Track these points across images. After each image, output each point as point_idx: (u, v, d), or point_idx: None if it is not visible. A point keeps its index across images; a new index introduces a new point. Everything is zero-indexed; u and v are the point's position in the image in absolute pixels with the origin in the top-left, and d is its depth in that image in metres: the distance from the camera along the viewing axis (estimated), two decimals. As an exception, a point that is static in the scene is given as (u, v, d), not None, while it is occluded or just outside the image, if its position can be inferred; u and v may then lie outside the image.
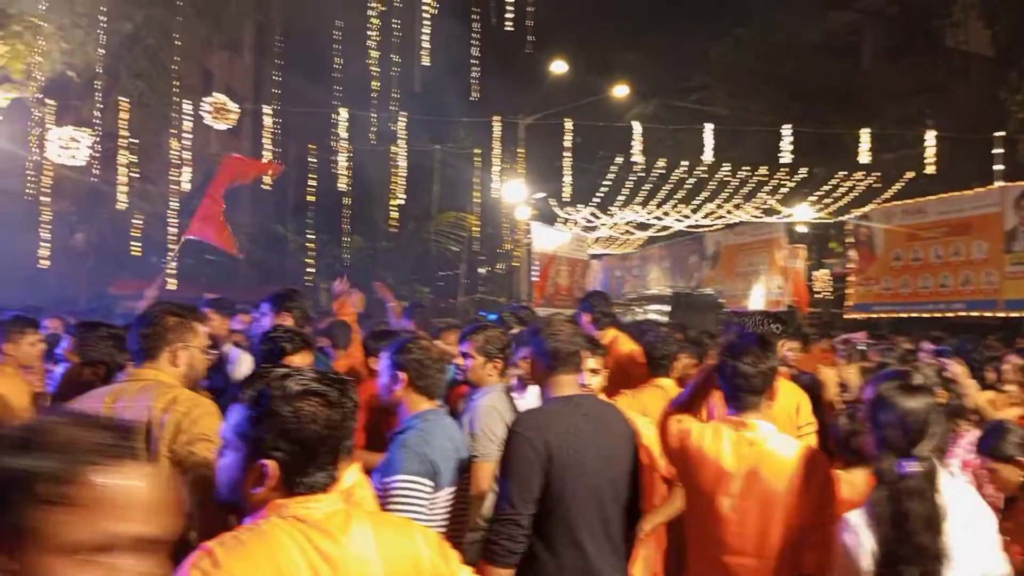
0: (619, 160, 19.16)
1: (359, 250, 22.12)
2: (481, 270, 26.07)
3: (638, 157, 16.28)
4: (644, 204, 20.33)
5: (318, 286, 21.20)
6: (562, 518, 2.78)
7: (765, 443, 2.78)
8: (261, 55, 26.23)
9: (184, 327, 2.93)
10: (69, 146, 13.12)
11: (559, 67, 19.85)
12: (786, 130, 16.24)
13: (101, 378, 3.98)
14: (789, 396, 3.89)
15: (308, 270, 20.52)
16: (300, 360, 3.52)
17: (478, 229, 21.76)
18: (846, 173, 18.76)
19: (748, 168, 19.28)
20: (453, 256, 23.19)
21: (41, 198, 14.50)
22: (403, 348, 3.12)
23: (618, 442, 2.98)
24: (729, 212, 19.94)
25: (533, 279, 18.40)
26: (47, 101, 14.41)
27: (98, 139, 13.59)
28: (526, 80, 21.60)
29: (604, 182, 20.20)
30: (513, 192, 19.47)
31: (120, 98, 14.51)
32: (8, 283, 15.06)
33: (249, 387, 1.79)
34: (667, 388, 4.55)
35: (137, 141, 14.73)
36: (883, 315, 17.79)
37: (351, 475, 2.40)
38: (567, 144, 16.53)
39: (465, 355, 3.87)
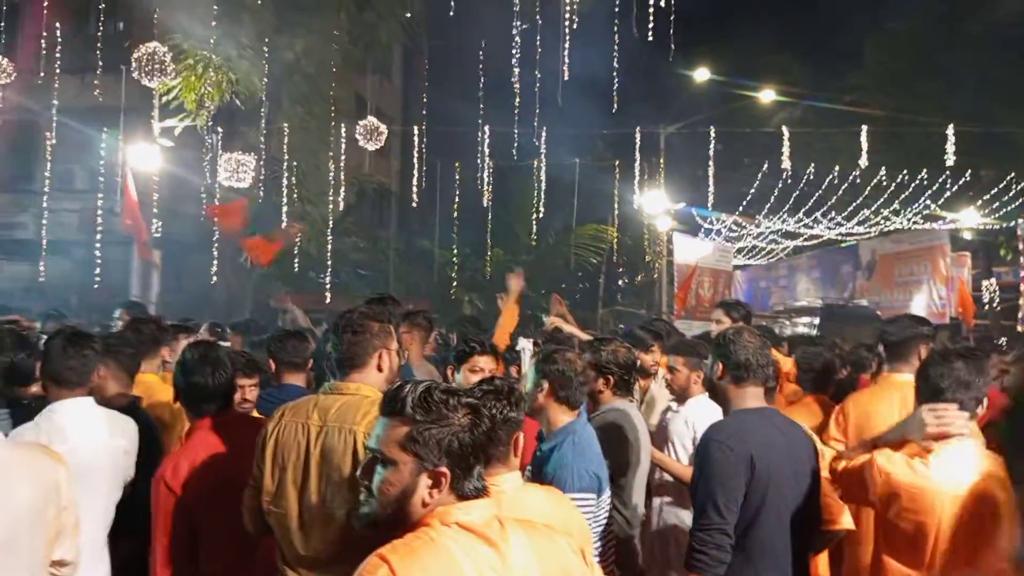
0: (765, 167, 18.59)
1: (500, 263, 22.50)
2: (621, 282, 25.93)
3: (786, 163, 15.73)
4: (792, 212, 19.61)
5: (461, 299, 21.75)
6: (761, 532, 2.73)
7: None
8: (408, 78, 27.29)
9: (386, 331, 2.89)
10: (237, 170, 14.07)
11: (702, 75, 19.52)
12: (950, 130, 15.26)
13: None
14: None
15: (453, 283, 21.11)
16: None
17: (618, 241, 21.69)
18: (1016, 174, 17.38)
19: (907, 172, 18.22)
20: (593, 268, 23.19)
21: (212, 219, 15.65)
22: (548, 358, 3.20)
23: (807, 457, 2.93)
24: (886, 219, 18.91)
25: (674, 291, 18.11)
26: (216, 128, 15.62)
27: (262, 162, 14.53)
28: (668, 88, 21.38)
29: (749, 190, 19.65)
30: (654, 203, 19.27)
31: (282, 124, 15.55)
32: (184, 297, 16.38)
33: (409, 398, 1.83)
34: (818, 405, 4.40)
35: (297, 163, 15.70)
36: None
37: (511, 480, 2.48)
38: (711, 153, 16.22)
39: (672, 368, 4.07)
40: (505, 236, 21.85)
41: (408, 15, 16.06)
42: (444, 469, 1.76)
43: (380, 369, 2.83)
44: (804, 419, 3.94)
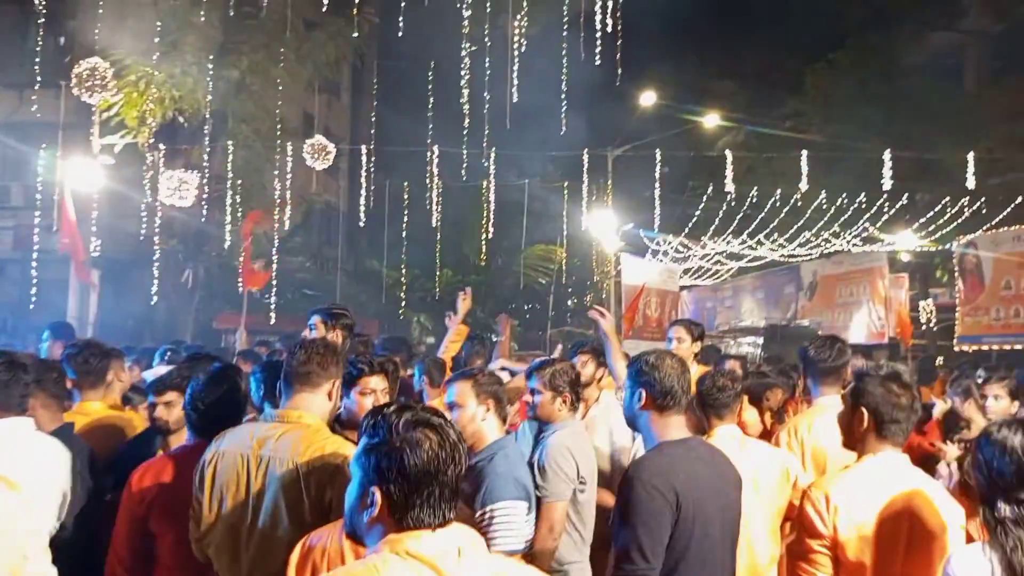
0: (711, 190, 18.91)
1: (449, 284, 22.47)
2: (570, 302, 26.08)
3: (730, 186, 16.03)
4: (737, 234, 19.97)
5: (410, 319, 21.62)
6: (689, 571, 2.62)
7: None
8: (357, 96, 27.17)
9: (339, 361, 2.86)
10: (179, 188, 13.80)
11: (648, 98, 19.83)
12: (886, 155, 15.72)
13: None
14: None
15: (402, 304, 20.98)
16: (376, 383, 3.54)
17: (566, 261, 21.83)
18: (951, 198, 17.99)
19: (846, 195, 18.72)
20: (542, 288, 23.29)
21: (153, 238, 15.30)
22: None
23: (730, 488, 2.87)
24: (827, 241, 19.37)
25: (622, 312, 18.26)
26: (159, 146, 15.31)
27: (206, 181, 14.28)
28: (616, 111, 21.67)
29: (695, 212, 19.97)
30: (602, 224, 19.46)
31: (227, 142, 15.30)
32: (123, 317, 15.93)
33: (369, 418, 1.81)
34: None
35: (241, 182, 15.46)
36: (994, 347, 16.86)
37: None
38: (657, 175, 16.45)
39: (533, 391, 3.82)
40: (454, 256, 21.83)
41: (357, 35, 15.96)
42: (378, 489, 1.71)
43: (330, 397, 2.81)
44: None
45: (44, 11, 13.09)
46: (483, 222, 18.57)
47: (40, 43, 15.06)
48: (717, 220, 20.20)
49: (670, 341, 5.62)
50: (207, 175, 14.54)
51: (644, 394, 2.82)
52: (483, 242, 19.56)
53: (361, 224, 18.10)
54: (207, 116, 15.02)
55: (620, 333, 17.01)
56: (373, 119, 22.08)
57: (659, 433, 2.80)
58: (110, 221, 14.97)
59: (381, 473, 1.72)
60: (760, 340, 16.77)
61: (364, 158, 16.78)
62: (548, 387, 3.76)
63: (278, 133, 15.90)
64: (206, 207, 15.15)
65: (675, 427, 2.81)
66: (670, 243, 20.47)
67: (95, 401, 4.24)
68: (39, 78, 15.07)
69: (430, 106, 19.22)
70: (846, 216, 19.21)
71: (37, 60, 14.89)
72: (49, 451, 3.31)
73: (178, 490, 3.01)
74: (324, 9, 13.82)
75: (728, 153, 15.83)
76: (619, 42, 15.57)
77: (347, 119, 27.86)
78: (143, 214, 15.44)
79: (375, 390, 3.34)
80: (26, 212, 16.90)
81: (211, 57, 14.32)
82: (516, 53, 15.09)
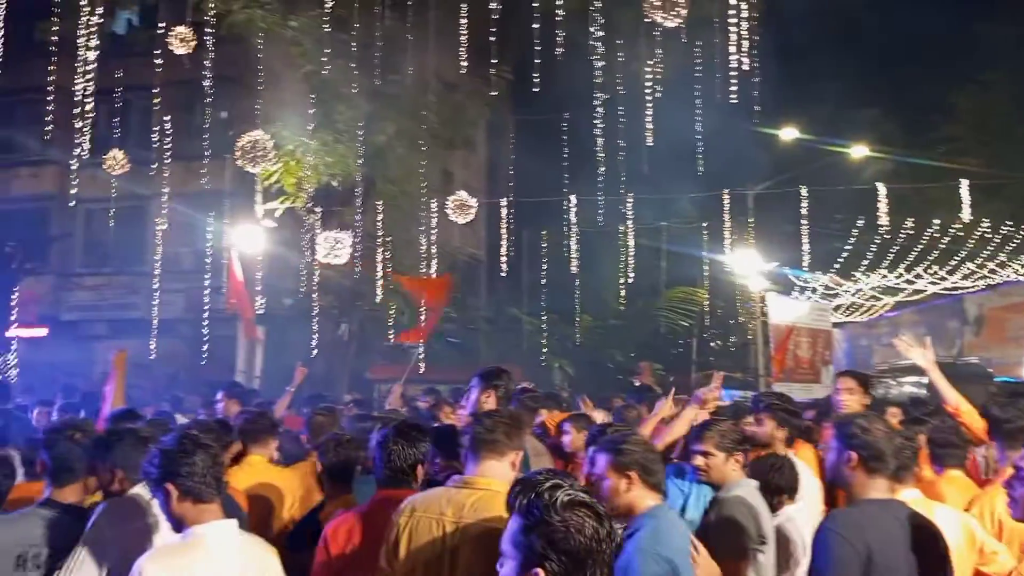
0: (860, 223, 18.15)
1: (589, 329, 22.47)
2: (713, 344, 25.50)
3: (884, 219, 15.30)
4: (892, 267, 19.00)
5: (551, 365, 21.73)
6: None
7: None
8: (492, 149, 27.97)
9: (524, 433, 2.97)
10: (334, 247, 14.57)
11: (788, 133, 19.37)
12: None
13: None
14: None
15: (543, 350, 21.15)
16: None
17: (708, 303, 21.42)
18: None
19: (1011, 223, 17.50)
20: (683, 331, 22.91)
21: (311, 294, 16.23)
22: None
23: (934, 557, 2.77)
24: (992, 272, 18.12)
25: (771, 353, 17.67)
26: (314, 209, 16.31)
27: (358, 240, 15.06)
28: (755, 148, 21.26)
29: (844, 247, 19.19)
30: (745, 263, 19.01)
31: (376, 202, 16.15)
32: (286, 370, 16.88)
33: (521, 495, 1.85)
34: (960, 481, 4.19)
35: (391, 239, 16.23)
36: None
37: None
38: (803, 211, 15.96)
39: (704, 454, 3.76)
40: (593, 301, 21.85)
41: (495, 93, 16.54)
42: (542, 571, 1.74)
43: (513, 467, 2.89)
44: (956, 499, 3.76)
45: (212, 90, 14.30)
46: (621, 267, 18.56)
47: (207, 119, 16.50)
48: (869, 254, 19.33)
49: (837, 391, 5.40)
50: (359, 234, 15.32)
51: (855, 456, 2.87)
52: (622, 286, 19.49)
53: (502, 274, 18.49)
54: (357, 179, 15.89)
55: (770, 375, 16.51)
56: (511, 172, 22.65)
57: (861, 492, 2.86)
58: (272, 281, 16.00)
59: (543, 554, 1.75)
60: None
61: (504, 209, 17.21)
62: (719, 448, 3.73)
63: (422, 191, 16.60)
64: (359, 264, 15.95)
65: (880, 489, 2.85)
66: (818, 280, 19.72)
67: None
68: (207, 151, 16.47)
69: (565, 155, 19.52)
70: (1014, 244, 17.93)
71: (204, 135, 16.30)
72: None
73: (370, 546, 3.17)
74: (462, 72, 14.39)
75: (880, 186, 15.13)
76: (755, 79, 15.36)
77: (483, 171, 28.71)
78: (302, 273, 16.42)
79: None
80: (196, 275, 18.35)
81: (360, 124, 15.20)
82: (650, 98, 15.13)
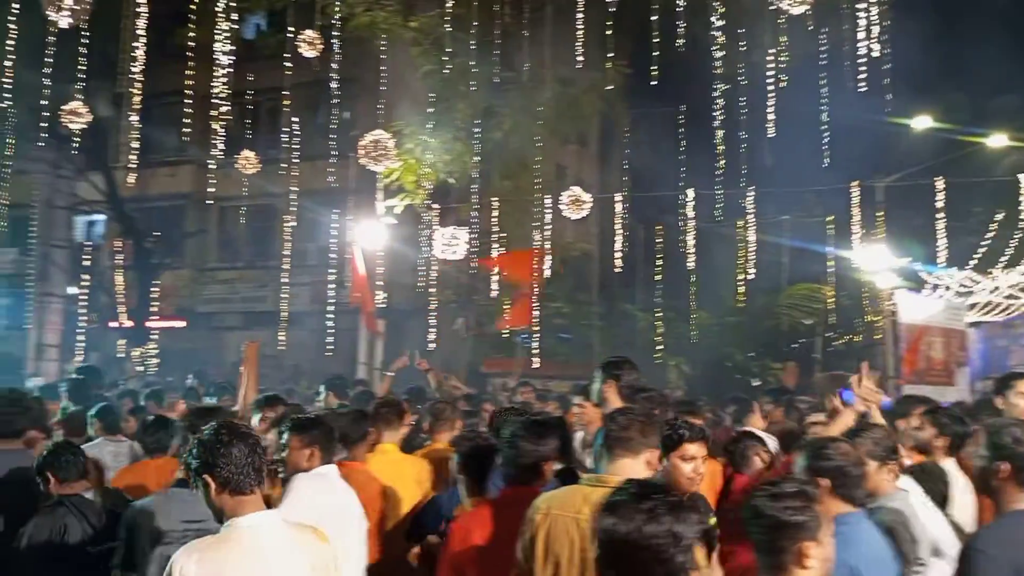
0: (998, 217, 17.04)
1: (705, 326, 22.01)
2: (837, 343, 24.48)
3: (1026, 212, 14.29)
4: (1034, 263, 17.74)
5: (666, 363, 21.41)
6: None
7: None
8: (606, 143, 27.78)
9: (659, 430, 2.93)
10: (451, 243, 14.84)
11: (921, 122, 18.36)
12: None
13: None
14: None
15: (657, 347, 20.86)
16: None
17: (833, 300, 20.56)
18: None
19: None
20: (806, 330, 22.09)
21: (429, 289, 16.60)
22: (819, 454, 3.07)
23: None
24: None
25: (901, 353, 16.81)
26: (432, 205, 16.67)
27: (474, 235, 15.30)
28: (881, 139, 20.28)
29: (981, 242, 18.05)
30: (873, 259, 18.13)
31: (491, 198, 16.36)
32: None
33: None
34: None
35: (506, 235, 16.40)
36: None
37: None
38: (937, 205, 15.10)
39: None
40: (709, 298, 21.38)
41: (611, 87, 16.44)
42: None
43: (649, 465, 2.86)
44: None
45: (341, 91, 14.82)
46: (740, 262, 18.09)
47: (332, 119, 17.11)
48: (1008, 250, 18.11)
49: (1007, 393, 4.88)
50: (475, 230, 15.56)
51: (1006, 467, 2.73)
52: (740, 282, 18.99)
53: (616, 270, 18.35)
54: (473, 176, 16.14)
55: (900, 377, 15.73)
56: (625, 165, 22.45)
57: (1010, 504, 2.71)
58: (392, 275, 16.47)
59: None
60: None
61: (619, 204, 17.09)
62: (872, 456, 3.56)
63: (536, 187, 16.69)
64: (474, 260, 16.21)
65: None
66: (952, 277, 18.60)
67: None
68: (332, 151, 17.09)
69: (682, 148, 19.17)
70: None
71: (331, 135, 16.91)
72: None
73: (497, 543, 3.21)
74: (578, 66, 14.35)
75: (1022, 177, 14.14)
76: (885, 66, 14.64)
77: (596, 165, 28.54)
78: (420, 268, 16.83)
79: (695, 457, 3.36)
80: (320, 270, 19.12)
81: (477, 121, 15.43)
82: (773, 87, 14.67)
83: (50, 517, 3.63)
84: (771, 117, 15.02)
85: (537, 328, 16.53)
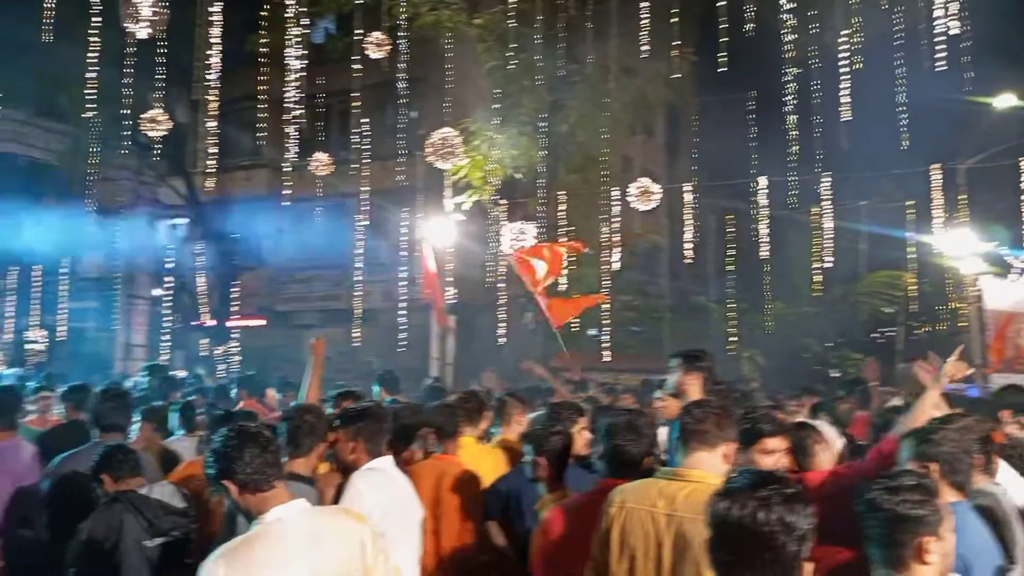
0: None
1: (781, 316, 21.56)
2: (920, 332, 23.68)
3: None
4: None
5: (740, 355, 21.06)
6: None
7: None
8: (672, 133, 27.42)
9: (735, 423, 2.93)
10: (518, 238, 14.86)
11: (1004, 101, 17.57)
12: None
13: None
14: None
15: (731, 339, 20.54)
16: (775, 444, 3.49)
17: (915, 288, 19.88)
18: None
19: None
20: (886, 318, 21.43)
21: (497, 284, 16.68)
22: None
23: None
24: None
25: (987, 341, 16.14)
26: (499, 201, 16.74)
27: (542, 230, 15.29)
28: (962, 119, 19.49)
29: (1074, 224, 17.16)
30: (956, 244, 17.46)
31: (558, 192, 16.34)
32: (475, 357, 17.52)
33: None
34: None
35: (574, 228, 16.36)
36: None
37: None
38: (1023, 186, 14.46)
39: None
40: (784, 288, 20.93)
41: (677, 75, 16.21)
42: None
43: (726, 459, 2.84)
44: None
45: (408, 91, 14.99)
46: (816, 250, 17.64)
47: (400, 118, 17.33)
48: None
49: None
50: (543, 224, 15.56)
51: None
52: (816, 271, 18.52)
53: (687, 261, 18.12)
54: (540, 170, 16.14)
55: (987, 365, 15.14)
56: (694, 155, 22.11)
57: None
58: (461, 271, 16.62)
59: None
60: None
61: (688, 194, 16.86)
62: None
63: (603, 179, 16.60)
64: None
65: None
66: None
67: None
68: (401, 150, 17.29)
69: (753, 134, 18.81)
70: None
71: (399, 134, 17.13)
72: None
73: (589, 535, 3.22)
74: (643, 56, 14.18)
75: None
76: (965, 43, 14.05)
77: (662, 156, 28.17)
78: (489, 264, 16.93)
79: (775, 450, 3.32)
80: (392, 267, 19.41)
81: (543, 116, 15.42)
82: (847, 69, 14.25)
83: (107, 513, 3.77)
84: (845, 100, 14.60)
85: (607, 322, 16.46)
